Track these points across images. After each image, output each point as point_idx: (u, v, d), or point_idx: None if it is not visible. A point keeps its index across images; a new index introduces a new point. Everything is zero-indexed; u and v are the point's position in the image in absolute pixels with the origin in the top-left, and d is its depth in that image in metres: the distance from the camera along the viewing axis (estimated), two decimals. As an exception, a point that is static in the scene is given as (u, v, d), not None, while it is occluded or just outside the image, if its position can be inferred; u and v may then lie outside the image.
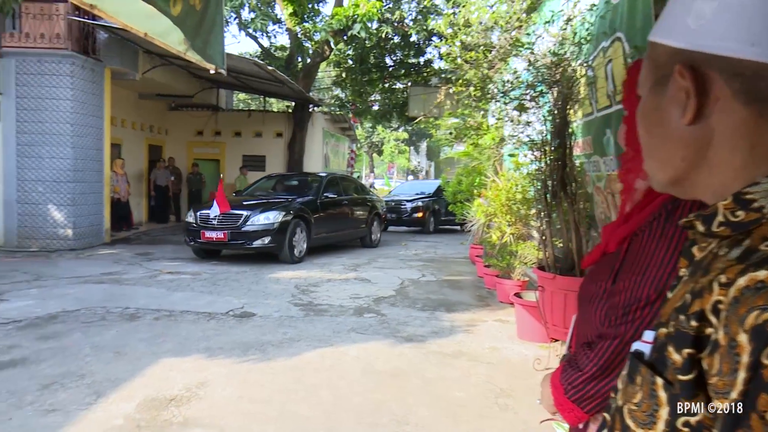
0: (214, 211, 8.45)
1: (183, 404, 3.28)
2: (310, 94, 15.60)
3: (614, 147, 3.52)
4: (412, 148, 48.92)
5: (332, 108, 19.02)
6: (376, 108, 20.31)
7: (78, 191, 9.85)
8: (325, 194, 9.74)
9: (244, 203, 9.07)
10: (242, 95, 27.10)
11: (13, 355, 4.06)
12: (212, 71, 3.64)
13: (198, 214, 8.69)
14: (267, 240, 8.36)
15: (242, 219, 8.40)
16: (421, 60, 17.86)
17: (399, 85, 18.94)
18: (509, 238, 5.70)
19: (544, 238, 4.11)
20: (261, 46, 17.57)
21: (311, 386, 3.61)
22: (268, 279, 7.38)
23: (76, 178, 9.76)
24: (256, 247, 8.38)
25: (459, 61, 4.94)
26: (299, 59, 16.07)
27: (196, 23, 2.94)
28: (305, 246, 8.99)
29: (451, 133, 7.28)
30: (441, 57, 16.77)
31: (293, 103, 15.97)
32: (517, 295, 4.95)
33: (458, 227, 15.82)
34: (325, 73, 22.41)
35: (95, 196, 10.37)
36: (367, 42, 13.47)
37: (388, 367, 4.02)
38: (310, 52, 15.00)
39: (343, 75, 17.32)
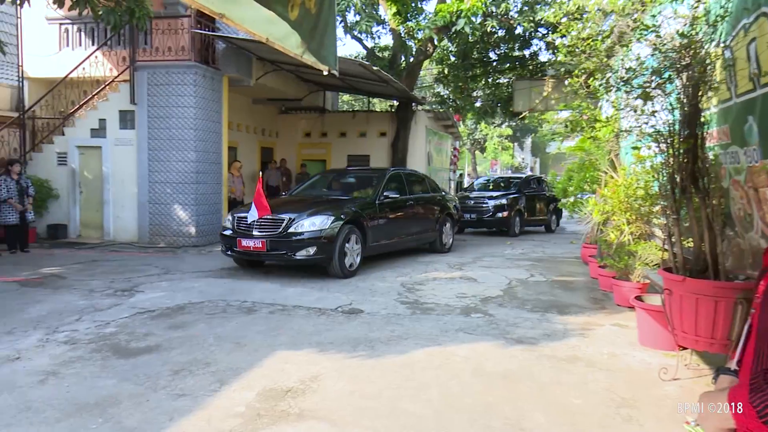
0: (252, 215, 7.23)
1: (298, 396, 3.41)
2: (413, 92, 15.66)
3: (758, 136, 3.16)
4: (516, 144, 47.62)
5: (434, 106, 18.96)
6: (479, 104, 19.98)
7: (200, 192, 10.62)
8: (385, 193, 8.34)
9: (289, 206, 7.72)
10: (346, 96, 27.88)
11: (149, 342, 4.45)
12: (326, 72, 3.75)
13: (235, 218, 7.57)
14: (313, 250, 7.02)
15: (284, 225, 7.11)
16: (527, 53, 17.30)
17: (503, 80, 18.49)
18: (628, 237, 5.33)
19: (671, 237, 3.79)
20: (365, 47, 17.92)
21: (421, 384, 3.60)
22: (374, 276, 7.50)
23: (198, 179, 10.53)
24: (300, 259, 7.04)
25: (575, 51, 4.68)
26: (402, 58, 16.19)
27: (311, 26, 3.04)
28: (358, 257, 7.59)
29: (566, 126, 6.94)
30: (548, 48, 16.14)
31: (396, 103, 16.13)
32: (638, 298, 4.62)
33: (542, 228, 14.96)
34: (427, 71, 22.40)
35: (215, 196, 11.13)
36: (470, 37, 13.25)
37: (498, 369, 3.91)
38: (414, 50, 15.05)
39: (446, 72, 17.21)
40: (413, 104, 15.51)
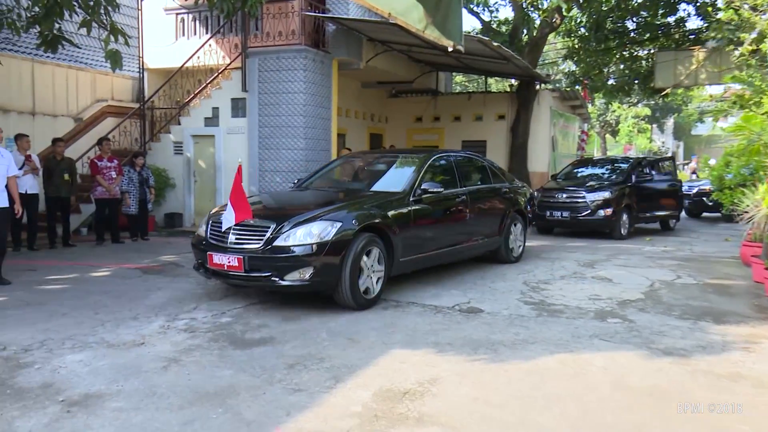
0: (228, 219, 5.46)
1: (417, 399, 3.41)
2: (536, 69, 15.13)
3: None
4: (654, 126, 44.51)
5: (560, 84, 18.21)
6: (612, 81, 18.91)
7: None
8: (424, 186, 6.32)
9: (283, 206, 6.20)
10: (459, 77, 27.60)
11: (263, 334, 4.69)
12: (450, 48, 3.70)
13: (210, 222, 5.83)
14: (309, 273, 5.12)
15: (269, 234, 5.25)
16: (671, 19, 16.06)
17: (642, 52, 17.33)
18: (807, 235, 4.75)
19: None
20: (482, 21, 17.59)
21: (553, 396, 3.46)
22: (493, 273, 7.35)
23: (307, 168, 10.94)
24: (290, 285, 5.21)
25: (742, 7, 4.21)
26: (524, 32, 15.69)
27: (436, -2, 3.01)
28: (380, 281, 5.65)
29: (734, 103, 6.31)
30: (699, 12, 14.82)
31: (516, 82, 15.68)
32: (823, 308, 4.09)
33: (658, 225, 12.55)
34: (551, 46, 21.52)
35: (324, 185, 11.49)
36: (604, 5, 12.52)
37: (644, 383, 3.66)
38: (537, 23, 14.52)
39: (575, 45, 16.43)
40: (536, 83, 14.99)
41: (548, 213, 11.11)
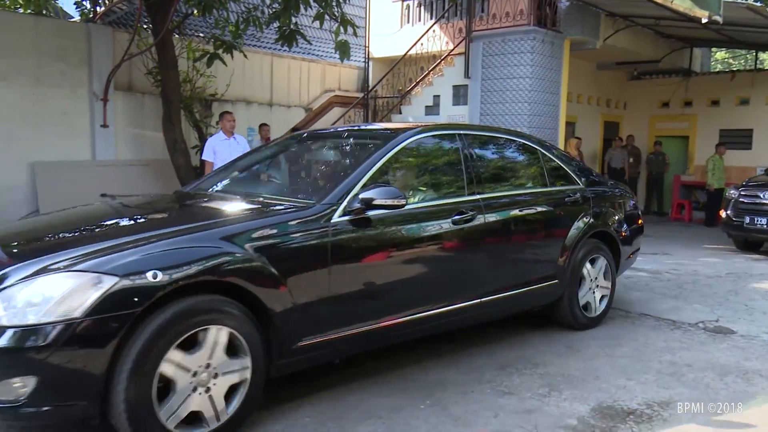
0: None
1: (643, 422, 3.23)
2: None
3: None
4: None
5: None
6: None
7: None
8: (365, 194, 3.43)
9: (52, 234, 3.38)
10: (720, 53, 24.74)
11: (475, 332, 4.82)
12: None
13: None
14: (30, 385, 2.50)
15: None
16: None
17: None
18: None
19: None
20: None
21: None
22: (752, 289, 6.55)
23: (530, 159, 10.81)
24: None
25: None
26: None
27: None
28: (235, 403, 2.94)
29: None
30: None
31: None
32: None
33: None
34: None
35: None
36: None
37: None
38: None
39: None
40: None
41: (749, 220, 8.78)
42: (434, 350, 4.31)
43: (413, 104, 12.38)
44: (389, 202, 3.39)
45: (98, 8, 10.75)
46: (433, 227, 3.82)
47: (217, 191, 4.21)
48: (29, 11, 10.39)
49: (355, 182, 3.52)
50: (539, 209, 4.57)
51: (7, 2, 10.67)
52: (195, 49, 10.28)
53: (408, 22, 13.24)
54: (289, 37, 8.68)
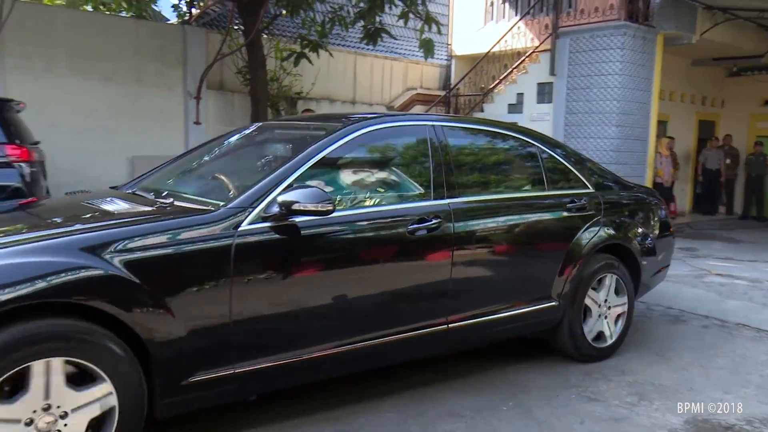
0: None
1: (742, 437, 3.06)
2: None
3: None
4: None
5: None
6: None
7: (619, 173, 10.49)
8: (285, 197, 2.81)
9: None
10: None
11: (558, 334, 4.71)
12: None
13: None
14: None
15: None
16: None
17: None
18: None
19: None
20: None
21: None
22: None
23: (618, 159, 10.44)
24: None
25: None
26: None
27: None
28: None
29: None
30: None
31: None
32: None
33: None
34: None
35: (635, 179, 10.83)
36: None
37: None
38: None
39: None
40: None
41: None
42: (516, 352, 4.24)
43: (495, 102, 12.21)
44: (311, 207, 2.75)
45: (193, 10, 11.23)
46: (381, 238, 3.17)
47: (131, 190, 3.46)
48: (131, 14, 10.99)
49: (277, 182, 2.89)
50: (530, 217, 3.81)
51: (113, 5, 11.31)
52: (283, 48, 10.56)
53: (492, 18, 13.06)
54: (374, 35, 8.77)
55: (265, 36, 10.10)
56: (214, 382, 2.67)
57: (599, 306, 4.09)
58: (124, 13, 11.22)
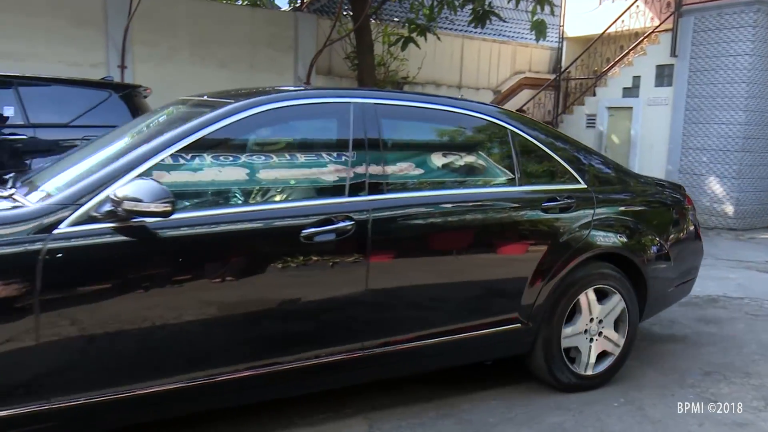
0: None
1: None
2: None
3: None
4: None
5: None
6: None
7: (746, 162, 9.77)
8: (120, 192, 2.23)
9: None
10: None
11: (674, 331, 4.46)
12: None
13: None
14: None
15: None
16: None
17: None
18: None
19: None
20: None
21: None
22: None
23: (745, 146, 9.70)
24: None
25: None
26: None
27: None
28: None
29: None
30: None
31: None
32: None
33: None
34: None
35: (764, 168, 10.04)
36: None
37: None
38: None
39: None
40: None
41: None
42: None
43: (609, 86, 11.67)
44: (143, 207, 2.17)
45: (305, -3, 11.53)
46: (262, 244, 2.55)
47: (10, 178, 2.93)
48: (246, 3, 11.44)
49: (118, 174, 2.30)
50: (482, 217, 3.05)
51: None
52: (390, 33, 10.62)
53: (608, -2, 12.46)
54: (482, 18, 8.63)
55: (373, 21, 10.19)
56: (22, 420, 2.12)
57: (585, 324, 3.32)
58: (239, 2, 11.69)
